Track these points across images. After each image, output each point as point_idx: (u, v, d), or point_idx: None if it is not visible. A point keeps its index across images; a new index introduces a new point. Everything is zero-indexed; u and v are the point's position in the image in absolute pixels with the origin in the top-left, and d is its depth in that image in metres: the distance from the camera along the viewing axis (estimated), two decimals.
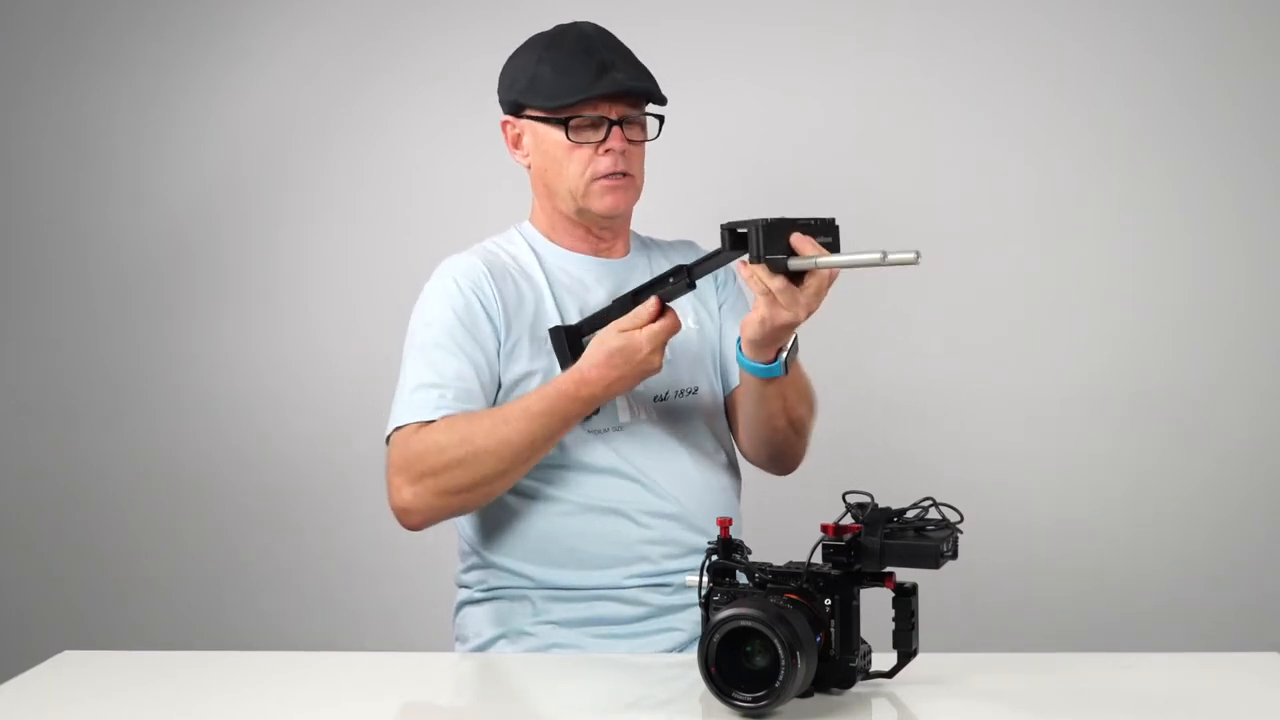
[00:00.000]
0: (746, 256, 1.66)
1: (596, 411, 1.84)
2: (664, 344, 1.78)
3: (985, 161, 2.73)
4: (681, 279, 1.78)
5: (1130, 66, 2.69)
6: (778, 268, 1.65)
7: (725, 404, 2.00)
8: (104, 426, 2.88)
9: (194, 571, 2.86)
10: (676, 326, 1.78)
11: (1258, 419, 2.69)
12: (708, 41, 2.75)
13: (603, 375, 1.76)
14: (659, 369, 1.79)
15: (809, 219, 1.68)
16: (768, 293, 1.66)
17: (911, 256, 1.56)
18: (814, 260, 1.64)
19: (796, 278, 1.66)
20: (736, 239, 1.67)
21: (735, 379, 1.97)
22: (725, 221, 1.68)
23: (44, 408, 2.90)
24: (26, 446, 2.91)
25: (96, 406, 2.88)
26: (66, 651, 1.73)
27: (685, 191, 2.57)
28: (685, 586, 1.85)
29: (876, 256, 1.57)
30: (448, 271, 1.91)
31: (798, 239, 1.65)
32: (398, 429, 1.83)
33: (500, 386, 1.87)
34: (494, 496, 1.83)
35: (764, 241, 1.64)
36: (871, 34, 2.74)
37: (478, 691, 1.69)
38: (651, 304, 1.77)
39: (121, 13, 2.86)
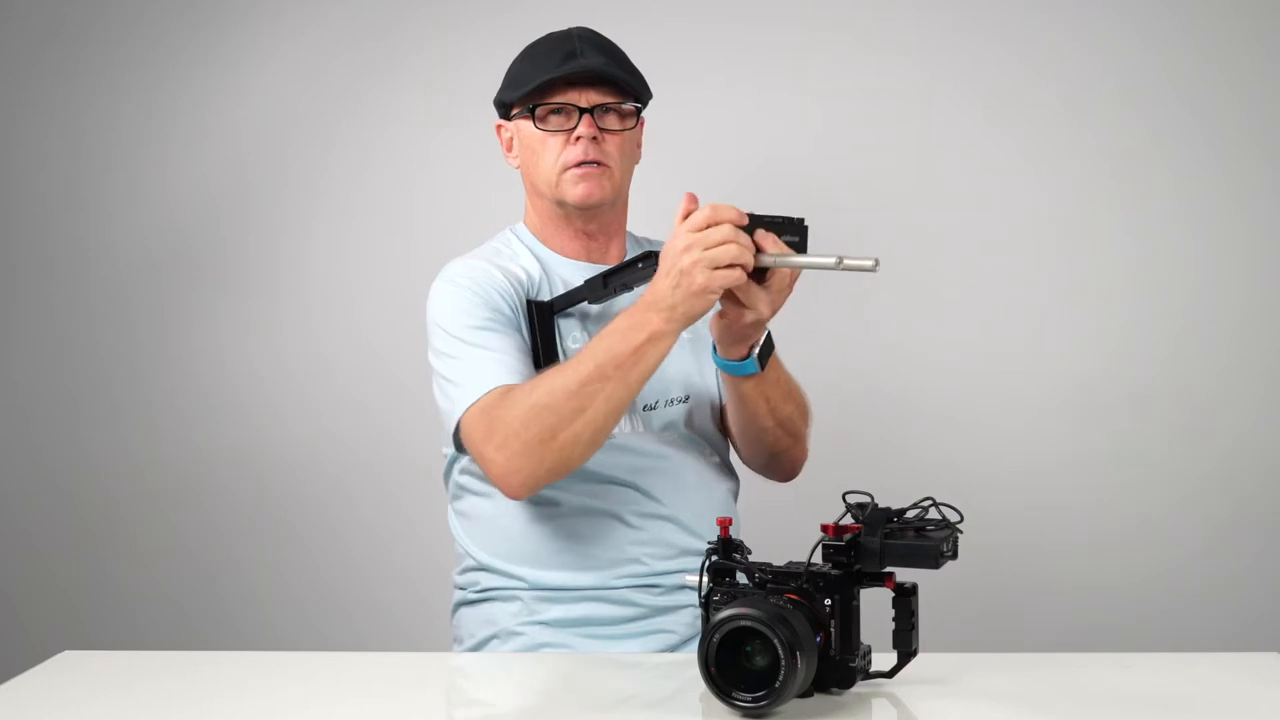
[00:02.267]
0: None
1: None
2: (688, 237, 1.61)
3: (985, 161, 2.73)
4: (650, 264, 1.76)
5: (1130, 67, 2.69)
6: None
7: (722, 413, 2.00)
8: (104, 427, 2.87)
9: (194, 572, 2.86)
10: (714, 219, 1.62)
11: (1258, 420, 2.69)
12: (708, 42, 2.75)
13: (656, 284, 1.66)
14: (701, 284, 1.61)
15: (776, 217, 1.67)
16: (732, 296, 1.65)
17: (870, 264, 1.56)
18: (774, 259, 1.63)
19: (759, 275, 1.65)
20: None
21: None
22: None
23: (45, 408, 2.90)
24: (27, 447, 2.90)
25: (97, 407, 2.88)
26: (66, 651, 1.73)
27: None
28: (678, 588, 1.87)
29: (832, 261, 1.56)
30: (449, 274, 1.91)
31: (761, 236, 1.63)
32: (472, 406, 1.76)
33: None
34: (583, 445, 1.71)
35: None
36: (872, 35, 2.73)
37: (478, 691, 1.69)
38: (684, 201, 1.67)
39: (121, 13, 2.86)
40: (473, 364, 1.79)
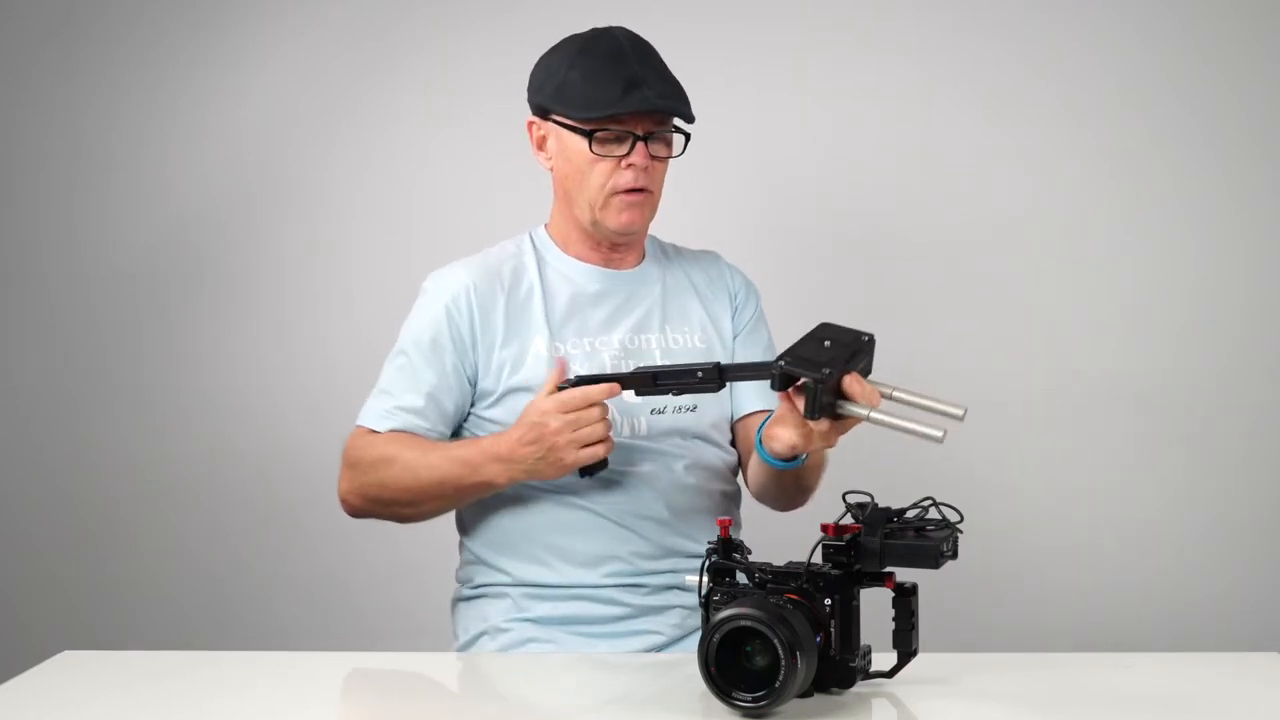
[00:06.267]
0: (790, 389, 1.60)
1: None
2: (564, 413, 1.71)
3: (985, 161, 2.73)
4: (709, 375, 1.69)
5: (1130, 67, 2.69)
6: (826, 413, 1.59)
7: (734, 430, 1.99)
8: (105, 427, 2.87)
9: (194, 571, 2.86)
10: (587, 401, 1.72)
11: (1258, 420, 2.69)
12: (708, 42, 2.74)
13: (508, 437, 1.77)
14: (568, 463, 1.74)
15: (848, 340, 1.61)
16: (808, 431, 1.61)
17: (960, 413, 1.58)
18: (867, 414, 1.57)
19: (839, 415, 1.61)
20: (787, 381, 1.59)
21: (744, 406, 1.96)
22: (784, 356, 1.58)
23: (45, 408, 2.90)
24: (27, 447, 2.90)
25: (97, 407, 2.88)
26: (66, 651, 1.73)
27: (704, 194, 2.62)
28: (666, 589, 1.88)
29: (938, 435, 1.52)
30: (436, 285, 1.94)
31: (850, 383, 1.58)
32: (358, 426, 1.93)
33: (478, 400, 1.91)
34: (413, 520, 1.91)
35: (818, 403, 1.57)
36: (872, 35, 2.73)
37: (480, 691, 1.69)
38: (556, 371, 1.76)
39: (121, 13, 2.86)
40: (379, 391, 1.93)
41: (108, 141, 2.87)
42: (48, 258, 2.89)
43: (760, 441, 1.71)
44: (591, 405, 1.73)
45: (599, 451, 1.75)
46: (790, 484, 1.88)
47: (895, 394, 1.61)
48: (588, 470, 1.78)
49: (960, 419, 1.58)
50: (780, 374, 1.59)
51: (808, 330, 1.64)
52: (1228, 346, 2.69)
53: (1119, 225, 2.71)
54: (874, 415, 1.57)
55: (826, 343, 1.61)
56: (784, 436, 1.63)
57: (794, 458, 1.70)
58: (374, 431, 1.89)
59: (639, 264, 1.99)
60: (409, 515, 1.90)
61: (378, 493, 1.87)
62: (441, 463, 1.83)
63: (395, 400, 1.89)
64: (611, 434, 1.77)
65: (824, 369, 1.56)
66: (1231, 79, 2.68)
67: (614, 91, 1.83)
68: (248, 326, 2.85)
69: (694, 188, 2.59)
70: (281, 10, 2.84)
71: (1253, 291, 2.69)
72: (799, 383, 1.58)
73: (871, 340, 1.64)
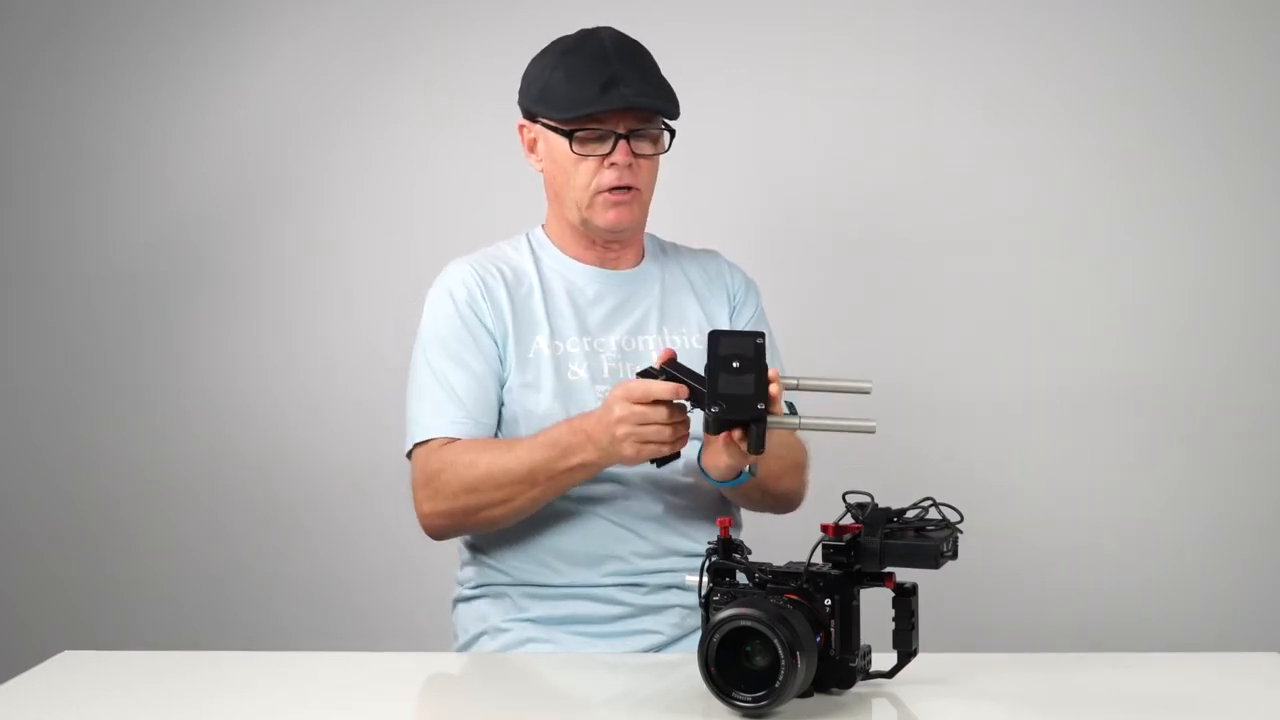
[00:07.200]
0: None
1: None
2: (629, 401, 1.66)
3: (985, 161, 2.73)
4: (715, 408, 1.60)
5: (1130, 67, 2.69)
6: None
7: None
8: (105, 427, 2.87)
9: (194, 571, 2.86)
10: (649, 397, 1.65)
11: (1258, 420, 2.68)
12: (708, 42, 2.74)
13: (593, 414, 1.74)
14: (629, 456, 1.70)
15: (755, 349, 1.58)
16: (740, 453, 1.64)
17: (868, 386, 1.57)
18: (798, 423, 1.59)
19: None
20: (724, 426, 1.61)
21: None
22: (718, 401, 1.57)
23: (45, 408, 2.89)
24: (27, 447, 2.90)
25: (97, 407, 2.88)
26: (66, 651, 1.73)
27: (704, 194, 2.61)
28: (665, 588, 1.87)
29: (870, 425, 1.53)
30: (444, 282, 1.94)
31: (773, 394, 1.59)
32: (420, 443, 1.86)
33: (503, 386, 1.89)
34: (505, 522, 1.84)
35: (764, 440, 1.59)
36: (872, 35, 2.73)
37: (480, 691, 1.69)
38: (660, 357, 1.69)
39: (121, 13, 2.86)
40: (431, 399, 1.87)
41: (108, 141, 2.87)
42: (48, 258, 2.89)
43: (703, 470, 1.75)
44: (656, 402, 1.66)
45: (663, 450, 1.69)
46: (755, 492, 1.88)
47: (801, 383, 1.62)
48: (657, 460, 1.73)
49: (868, 392, 1.57)
50: (715, 420, 1.60)
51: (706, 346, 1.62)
52: (1228, 346, 2.69)
53: (1119, 225, 2.71)
54: (805, 422, 1.60)
55: (735, 363, 1.59)
56: (723, 461, 1.68)
57: (733, 477, 1.73)
58: (449, 441, 1.84)
59: (638, 263, 1.99)
60: (498, 518, 1.82)
61: (466, 501, 1.81)
62: (529, 452, 1.78)
63: (460, 403, 1.86)
64: (677, 440, 1.69)
65: (759, 404, 1.57)
66: (1231, 79, 2.68)
67: (592, 91, 1.84)
68: (248, 326, 2.85)
69: (694, 188, 2.59)
70: (281, 10, 2.84)
71: (1253, 291, 2.69)
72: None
73: (764, 339, 1.61)
